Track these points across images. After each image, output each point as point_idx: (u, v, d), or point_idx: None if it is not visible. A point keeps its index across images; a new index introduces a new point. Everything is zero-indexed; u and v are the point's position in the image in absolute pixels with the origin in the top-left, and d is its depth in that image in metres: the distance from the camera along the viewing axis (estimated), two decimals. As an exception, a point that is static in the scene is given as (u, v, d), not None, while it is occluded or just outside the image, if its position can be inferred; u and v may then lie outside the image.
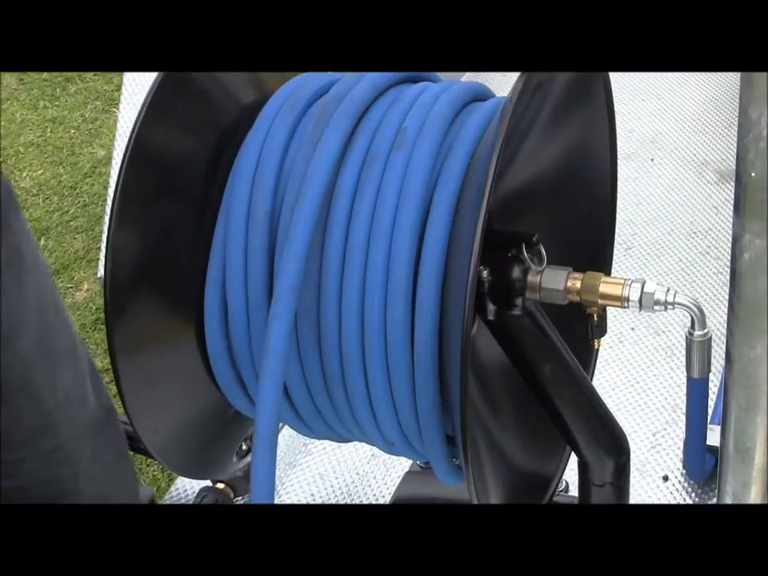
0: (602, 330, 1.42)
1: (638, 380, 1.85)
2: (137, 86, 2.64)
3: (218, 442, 1.54)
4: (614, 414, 1.76)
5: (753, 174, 0.98)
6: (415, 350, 1.28)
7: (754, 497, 1.16)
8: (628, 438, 1.73)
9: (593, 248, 1.49)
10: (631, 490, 1.66)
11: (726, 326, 1.11)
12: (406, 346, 1.29)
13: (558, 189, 1.51)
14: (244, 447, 1.61)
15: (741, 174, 1.00)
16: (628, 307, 1.36)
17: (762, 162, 0.97)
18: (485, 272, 1.34)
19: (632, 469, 1.70)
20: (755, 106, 0.95)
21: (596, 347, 1.44)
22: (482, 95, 1.40)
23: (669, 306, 1.34)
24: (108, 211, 1.33)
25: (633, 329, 1.83)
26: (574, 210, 1.52)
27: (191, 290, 1.39)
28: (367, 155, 1.32)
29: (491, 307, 1.37)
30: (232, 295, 1.36)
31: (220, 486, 1.69)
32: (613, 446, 1.48)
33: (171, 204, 1.39)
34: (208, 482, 1.71)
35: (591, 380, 1.63)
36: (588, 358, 1.62)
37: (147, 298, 1.38)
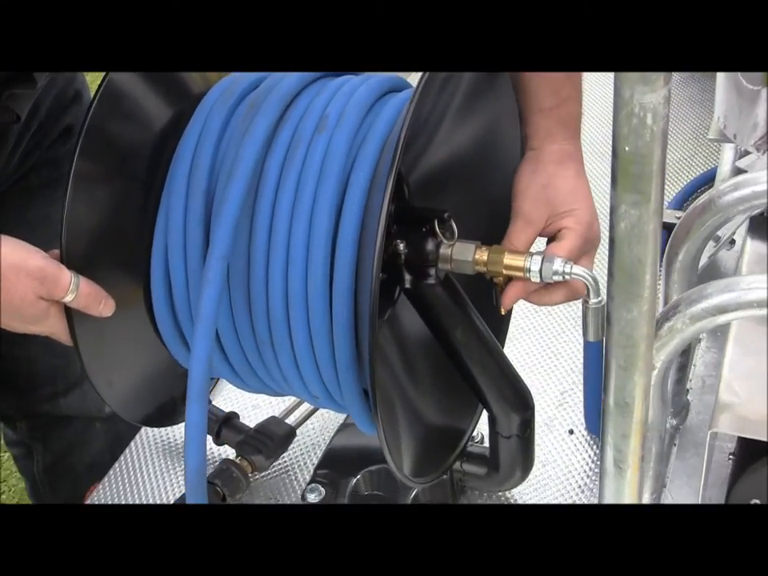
0: (506, 297, 1.34)
1: (549, 346, 1.75)
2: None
3: (171, 394, 1.44)
4: (526, 376, 1.66)
5: (627, 149, 0.89)
6: (333, 314, 1.19)
7: (632, 446, 1.06)
8: (539, 396, 1.64)
9: (506, 223, 1.39)
10: (540, 442, 1.57)
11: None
12: (325, 310, 1.20)
13: (474, 169, 1.42)
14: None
15: (616, 148, 0.90)
16: (530, 278, 1.27)
17: (634, 137, 0.88)
18: (401, 245, 1.28)
19: (541, 424, 1.61)
20: (627, 86, 0.86)
21: (502, 313, 1.34)
22: (398, 86, 1.30)
23: (566, 276, 1.26)
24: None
25: (547, 300, 1.72)
26: (488, 190, 1.42)
27: (139, 260, 1.30)
28: (292, 139, 1.22)
29: (408, 277, 1.31)
30: (173, 265, 1.27)
31: (242, 462, 1.55)
32: (518, 402, 1.38)
33: (121, 185, 1.30)
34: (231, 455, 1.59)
35: (504, 342, 1.54)
36: (501, 324, 1.53)
37: (100, 268, 1.28)
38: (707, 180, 1.97)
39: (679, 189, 2.00)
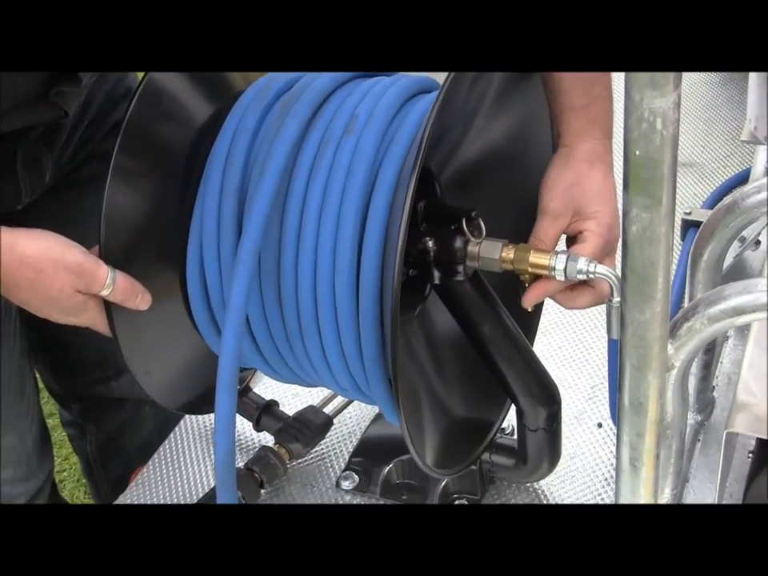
0: (533, 295, 1.31)
1: (582, 340, 1.71)
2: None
3: (210, 382, 1.42)
4: (558, 369, 1.64)
5: (637, 153, 0.86)
6: (360, 308, 1.17)
7: (647, 445, 1.03)
8: (570, 389, 1.62)
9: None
10: (569, 435, 1.54)
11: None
12: (352, 305, 1.17)
13: (507, 165, 1.39)
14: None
15: (627, 153, 0.87)
16: (555, 276, 1.24)
17: (644, 141, 0.85)
18: (430, 242, 1.26)
19: (570, 417, 1.57)
20: (637, 90, 0.83)
21: (529, 309, 1.32)
22: (428, 88, 1.27)
23: (590, 275, 1.23)
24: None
25: (581, 295, 1.69)
26: (521, 185, 1.39)
27: (176, 253, 1.28)
28: (322, 139, 1.20)
29: (437, 273, 1.29)
30: (207, 259, 1.26)
31: (280, 449, 1.53)
32: (545, 396, 1.35)
33: (159, 181, 1.28)
34: (270, 441, 1.57)
35: (534, 338, 1.51)
36: (531, 321, 1.49)
37: (138, 260, 1.27)
38: (741, 180, 1.93)
39: (715, 188, 1.95)
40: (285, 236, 1.19)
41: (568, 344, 1.71)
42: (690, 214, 1.78)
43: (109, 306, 1.25)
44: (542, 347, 1.67)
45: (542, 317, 1.53)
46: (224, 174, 1.24)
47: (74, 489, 2.80)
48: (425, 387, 1.33)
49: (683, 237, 1.76)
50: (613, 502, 1.33)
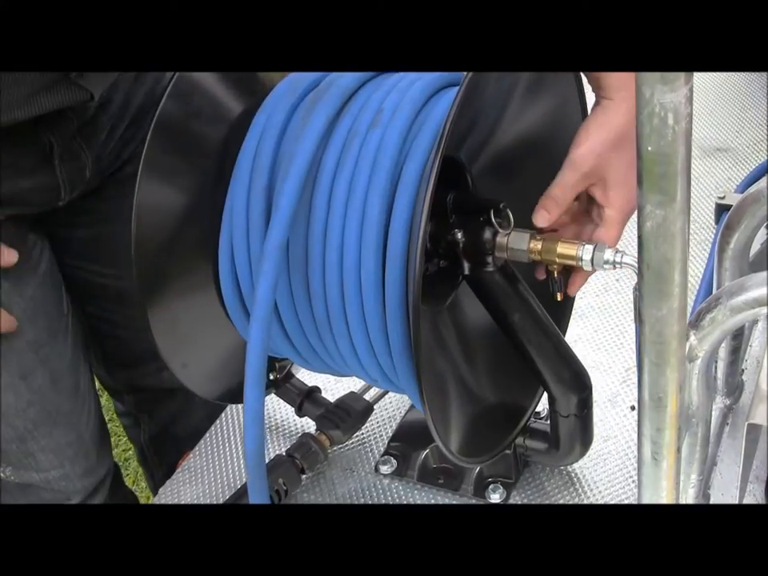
0: (560, 285, 1.27)
1: (617, 324, 1.65)
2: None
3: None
4: (593, 352, 1.59)
5: (649, 149, 0.80)
6: (386, 300, 1.12)
7: (668, 439, 0.97)
8: (604, 373, 1.56)
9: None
10: (603, 417, 1.49)
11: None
12: (378, 297, 1.13)
13: (543, 154, 1.32)
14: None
15: (640, 149, 0.81)
16: (582, 266, 1.19)
17: (656, 137, 0.79)
18: (459, 234, 1.21)
19: (604, 400, 1.52)
20: (647, 85, 0.77)
21: (559, 299, 1.28)
22: (455, 81, 1.21)
23: (617, 265, 1.18)
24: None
25: (617, 280, 1.65)
26: (556, 173, 1.31)
27: (209, 249, 1.24)
28: (349, 134, 1.15)
29: (466, 264, 1.24)
30: (238, 254, 1.21)
31: (321, 436, 1.49)
32: (576, 383, 1.30)
33: (191, 177, 1.24)
34: (311, 427, 1.53)
35: (567, 326, 1.45)
36: (564, 310, 1.44)
37: (170, 257, 1.24)
38: (774, 165, 1.85)
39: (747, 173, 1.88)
40: (312, 230, 1.15)
41: (603, 328, 1.65)
42: (723, 198, 1.71)
43: (144, 302, 1.21)
44: (578, 331, 1.61)
45: (578, 301, 1.48)
46: (252, 170, 1.19)
47: (138, 468, 2.79)
48: (455, 377, 1.28)
49: (717, 221, 1.70)
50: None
